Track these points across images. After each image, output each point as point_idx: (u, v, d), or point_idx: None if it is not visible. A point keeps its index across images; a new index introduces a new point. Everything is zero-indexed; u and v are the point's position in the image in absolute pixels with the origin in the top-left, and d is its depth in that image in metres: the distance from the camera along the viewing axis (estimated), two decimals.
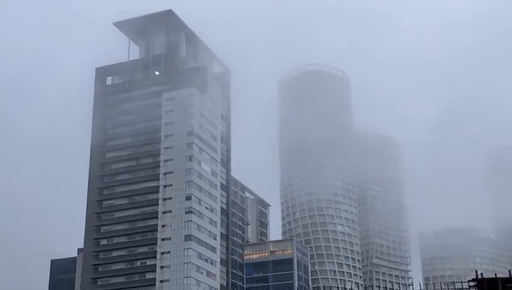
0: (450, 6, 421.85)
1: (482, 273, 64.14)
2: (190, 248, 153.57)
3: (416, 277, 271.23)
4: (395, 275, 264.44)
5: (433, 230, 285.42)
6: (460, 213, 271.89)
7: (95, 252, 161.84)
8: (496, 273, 73.07)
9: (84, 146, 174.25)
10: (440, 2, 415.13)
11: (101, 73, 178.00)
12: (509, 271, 70.13)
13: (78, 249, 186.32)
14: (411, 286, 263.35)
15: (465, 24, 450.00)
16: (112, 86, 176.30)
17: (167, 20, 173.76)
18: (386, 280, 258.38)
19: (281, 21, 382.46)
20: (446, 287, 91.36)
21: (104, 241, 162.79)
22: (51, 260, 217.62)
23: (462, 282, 79.40)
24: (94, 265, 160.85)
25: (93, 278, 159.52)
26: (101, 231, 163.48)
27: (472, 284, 61.76)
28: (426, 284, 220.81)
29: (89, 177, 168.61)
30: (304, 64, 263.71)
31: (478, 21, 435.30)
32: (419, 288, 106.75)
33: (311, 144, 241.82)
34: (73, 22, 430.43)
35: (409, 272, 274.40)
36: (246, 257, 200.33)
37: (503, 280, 60.27)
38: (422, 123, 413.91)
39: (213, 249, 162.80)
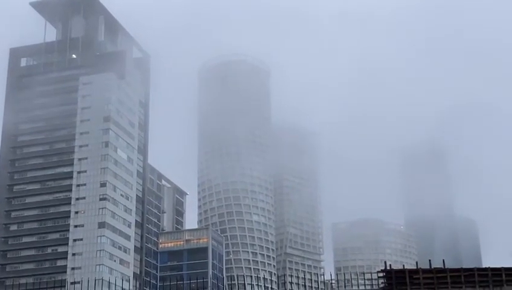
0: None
1: (390, 265, 65.86)
2: (103, 236, 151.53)
3: (328, 266, 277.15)
4: (308, 265, 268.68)
5: (346, 221, 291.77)
6: (373, 205, 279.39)
7: (4, 237, 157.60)
8: (404, 265, 75.38)
9: None
10: None
11: (15, 54, 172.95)
12: (416, 263, 72.56)
13: None
14: (323, 276, 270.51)
15: (384, 16, 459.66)
16: (27, 68, 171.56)
17: (86, 2, 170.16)
18: (298, 270, 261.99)
19: (203, 9, 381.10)
20: (356, 277, 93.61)
21: (14, 227, 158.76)
22: None
23: (371, 273, 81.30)
24: (3, 251, 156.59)
25: (1, 265, 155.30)
26: (11, 216, 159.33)
27: (381, 275, 63.25)
28: (337, 274, 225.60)
29: None
30: (225, 53, 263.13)
31: (396, 14, 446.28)
32: (330, 278, 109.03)
33: (230, 134, 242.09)
34: None
35: (322, 262, 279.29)
36: (160, 245, 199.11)
37: (411, 271, 62.03)
38: (339, 116, 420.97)
39: (127, 237, 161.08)
